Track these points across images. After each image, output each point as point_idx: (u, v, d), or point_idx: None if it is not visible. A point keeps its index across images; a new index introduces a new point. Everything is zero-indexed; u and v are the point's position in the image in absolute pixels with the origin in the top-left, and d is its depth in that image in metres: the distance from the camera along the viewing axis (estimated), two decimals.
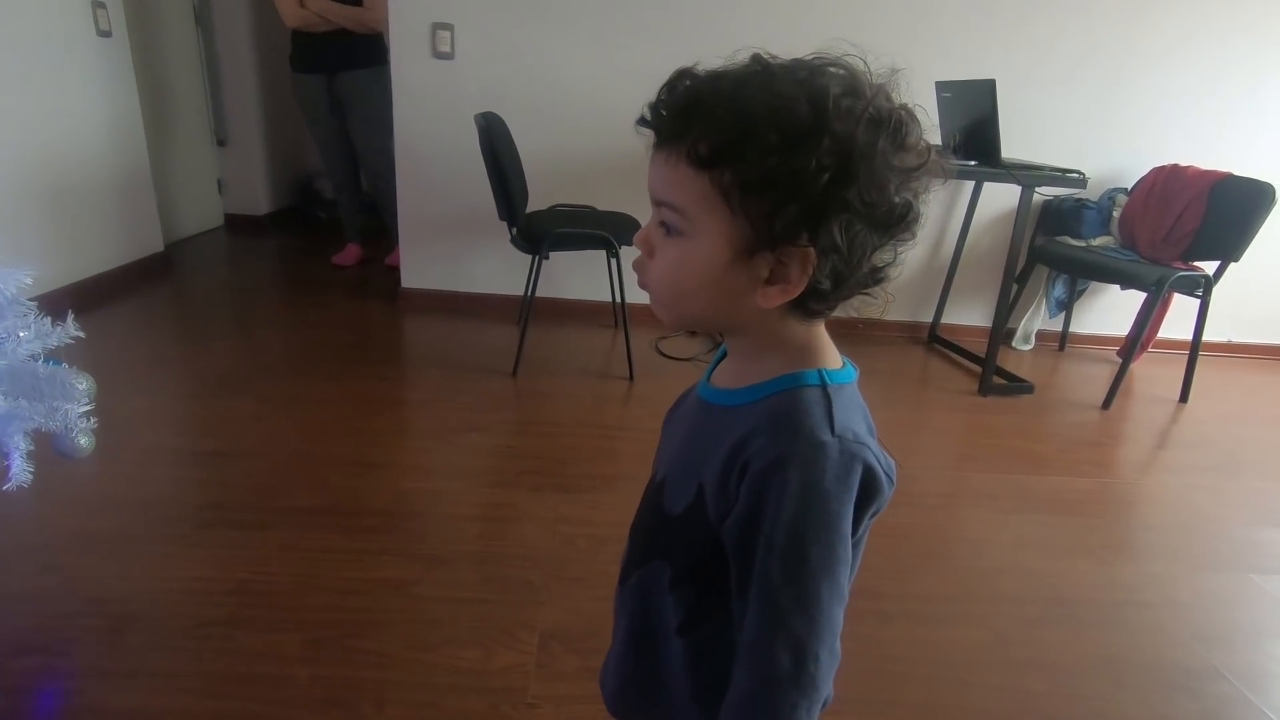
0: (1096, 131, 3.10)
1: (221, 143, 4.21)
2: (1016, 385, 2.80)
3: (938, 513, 1.94)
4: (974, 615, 1.55)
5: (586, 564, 1.58)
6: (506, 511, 1.77)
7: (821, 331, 0.57)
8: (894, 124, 0.48)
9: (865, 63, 0.50)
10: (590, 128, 3.00)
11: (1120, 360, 3.15)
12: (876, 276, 0.53)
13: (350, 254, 3.77)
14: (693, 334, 0.63)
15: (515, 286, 3.11)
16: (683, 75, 0.51)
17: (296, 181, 4.73)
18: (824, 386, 0.54)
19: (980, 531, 1.86)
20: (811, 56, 0.50)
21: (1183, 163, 2.99)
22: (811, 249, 0.49)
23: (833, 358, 0.57)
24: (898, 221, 0.50)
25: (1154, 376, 3.06)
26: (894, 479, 0.52)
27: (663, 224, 0.54)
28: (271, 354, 2.65)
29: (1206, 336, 2.82)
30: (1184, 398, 2.85)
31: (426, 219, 3.14)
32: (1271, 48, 3.00)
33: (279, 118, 4.37)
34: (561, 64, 2.92)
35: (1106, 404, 2.73)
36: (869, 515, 0.52)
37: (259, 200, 4.37)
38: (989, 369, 2.73)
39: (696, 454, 0.59)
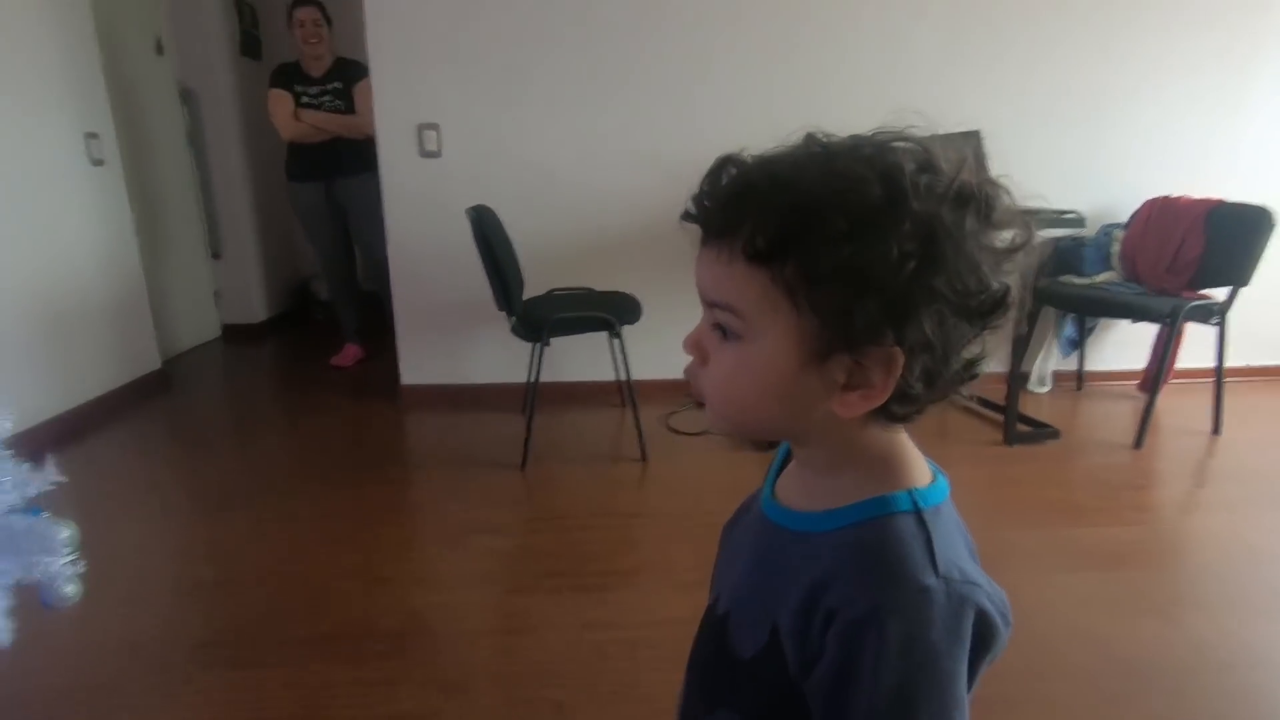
0: (1084, 170, 3.12)
1: (217, 255, 4.24)
2: (1042, 431, 2.71)
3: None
4: (1045, 697, 1.42)
5: (619, 675, 1.46)
6: (527, 620, 1.65)
7: (905, 439, 0.50)
8: (982, 199, 0.43)
9: (935, 135, 0.45)
10: (581, 210, 3.01)
11: (1142, 394, 3.08)
12: (971, 371, 0.46)
13: (348, 354, 3.74)
14: (761, 446, 0.56)
15: (517, 374, 3.05)
16: (728, 162, 0.46)
17: (291, 286, 4.75)
18: (918, 513, 0.46)
19: (1033, 597, 1.73)
20: (873, 132, 0.45)
21: (1173, 193, 2.99)
22: (898, 348, 0.42)
23: (921, 470, 0.50)
24: (994, 309, 0.43)
25: (1179, 409, 2.97)
26: (1010, 618, 0.44)
27: (717, 326, 0.48)
28: (270, 466, 2.56)
29: (1227, 363, 2.74)
30: (1216, 429, 2.75)
31: (423, 314, 3.11)
32: (1240, 74, 3.05)
33: (272, 226, 4.43)
34: (547, 150, 2.95)
35: (1138, 443, 2.63)
36: (985, 664, 0.44)
37: (255, 308, 4.37)
38: (1011, 417, 2.64)
39: (767, 588, 0.51)
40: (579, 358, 3.10)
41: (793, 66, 2.90)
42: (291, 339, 4.39)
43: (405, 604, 1.71)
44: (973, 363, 0.46)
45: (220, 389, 3.67)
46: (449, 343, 3.14)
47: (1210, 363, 2.75)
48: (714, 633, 0.57)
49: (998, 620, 0.43)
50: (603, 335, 2.88)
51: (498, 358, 3.11)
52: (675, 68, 2.91)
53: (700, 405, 0.53)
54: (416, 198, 2.98)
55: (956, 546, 0.47)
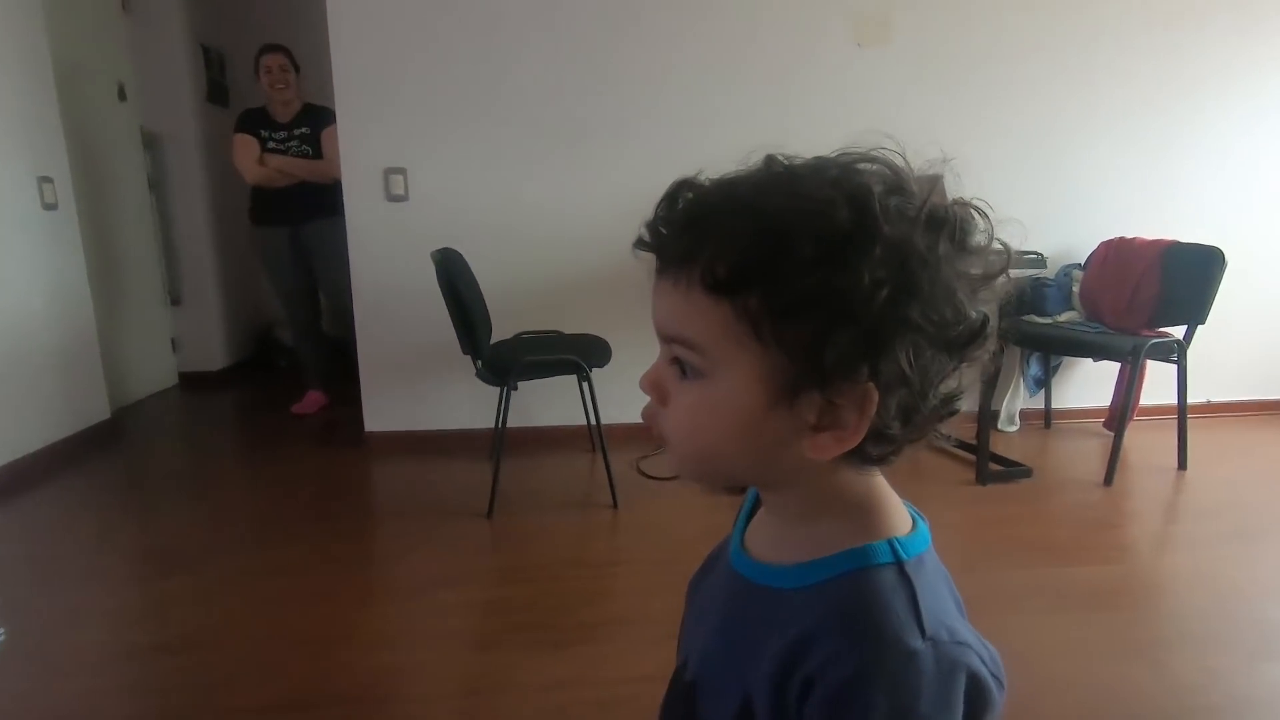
0: (1041, 212, 3.19)
1: (176, 302, 4.13)
2: (1014, 470, 2.70)
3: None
4: None
5: None
6: (491, 681, 1.55)
7: (882, 483, 0.46)
8: (955, 223, 0.40)
9: (904, 157, 0.42)
10: (549, 252, 2.99)
11: (1108, 432, 3.11)
12: (949, 407, 0.42)
13: (311, 401, 3.63)
14: (734, 491, 0.52)
15: (485, 419, 2.98)
16: (684, 186, 0.43)
17: (254, 332, 4.64)
18: (900, 565, 0.42)
19: (1017, 642, 1.68)
20: (838, 152, 0.42)
21: (1128, 234, 3.07)
22: (872, 384, 0.39)
23: (900, 516, 0.46)
24: (972, 339, 0.40)
25: (1145, 445, 2.99)
26: (1004, 679, 0.40)
27: (676, 362, 0.44)
28: (223, 522, 2.43)
29: (1189, 399, 2.78)
30: (1182, 464, 2.77)
31: (388, 359, 3.04)
32: (1187, 117, 3.18)
33: (234, 272, 4.34)
34: (515, 193, 2.95)
35: (1108, 480, 2.63)
36: None
37: (215, 356, 4.24)
38: (983, 455, 2.64)
39: (737, 652, 0.47)
40: (548, 402, 3.04)
41: (759, 112, 2.95)
42: (253, 386, 4.27)
43: (361, 667, 1.60)
44: (951, 398, 0.43)
45: (174, 439, 3.53)
46: (415, 388, 3.07)
47: (1173, 399, 2.79)
48: (681, 702, 0.52)
49: (991, 683, 0.40)
50: (572, 379, 2.83)
51: (465, 403, 3.04)
52: (644, 112, 2.95)
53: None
54: (382, 242, 2.94)
55: (943, 600, 0.43)
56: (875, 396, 0.39)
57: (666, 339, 0.44)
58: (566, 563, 2.08)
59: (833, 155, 0.42)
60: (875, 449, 0.42)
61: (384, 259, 2.96)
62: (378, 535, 2.37)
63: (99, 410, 3.19)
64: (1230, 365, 3.32)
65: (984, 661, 0.40)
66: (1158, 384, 2.92)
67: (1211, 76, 3.17)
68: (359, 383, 3.07)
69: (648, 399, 0.47)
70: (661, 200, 0.43)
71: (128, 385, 3.66)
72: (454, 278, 2.32)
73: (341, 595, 1.91)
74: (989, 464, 2.66)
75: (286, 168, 3.29)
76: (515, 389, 2.38)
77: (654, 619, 1.73)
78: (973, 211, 0.42)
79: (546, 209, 2.96)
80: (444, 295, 2.34)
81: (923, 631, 0.39)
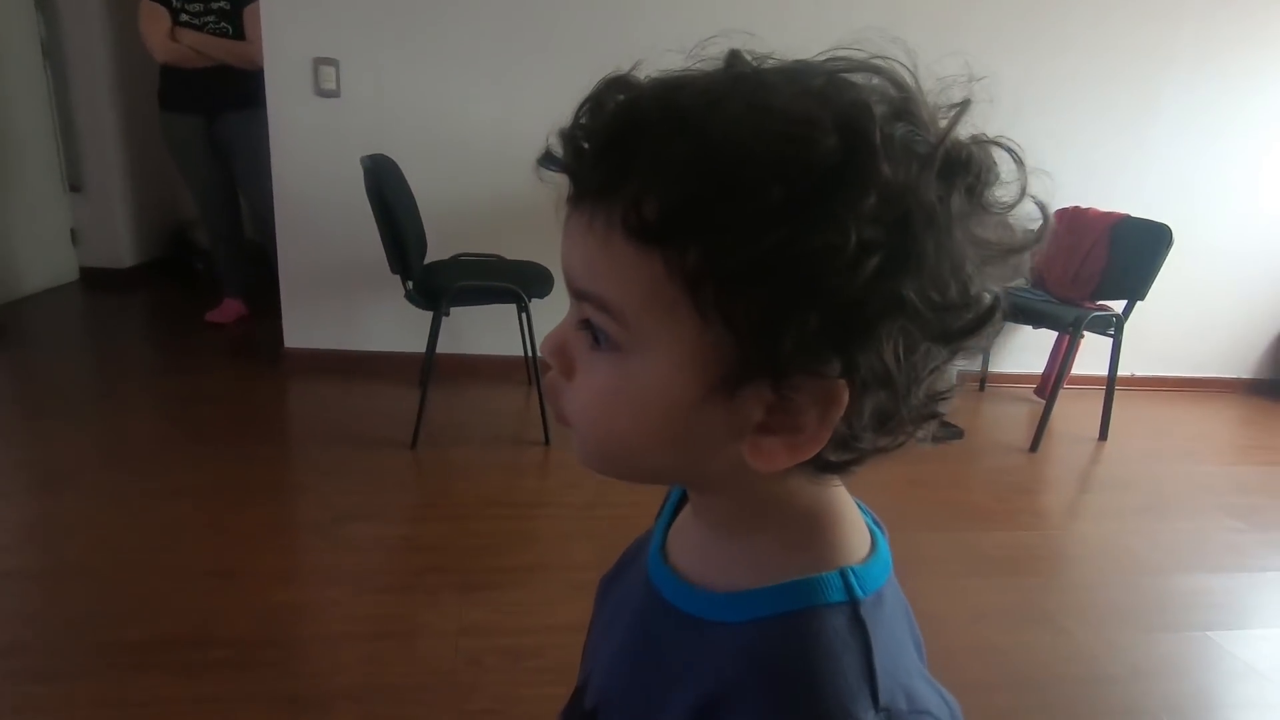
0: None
1: (75, 188, 3.73)
2: (947, 430, 2.71)
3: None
4: None
5: (495, 689, 1.31)
6: (398, 625, 1.47)
7: (839, 491, 0.37)
8: (976, 169, 0.29)
9: (914, 73, 0.30)
10: (494, 171, 2.78)
11: (1038, 399, 3.18)
12: (932, 408, 0.33)
13: (228, 310, 3.37)
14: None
15: (415, 343, 2.82)
16: (614, 86, 0.31)
17: (168, 230, 4.26)
18: (854, 605, 0.34)
19: (938, 605, 1.70)
20: (824, 56, 0.30)
21: (1083, 204, 3.06)
22: (842, 381, 0.30)
23: (858, 535, 0.37)
24: (978, 327, 0.30)
25: (1070, 414, 3.07)
26: None
27: (586, 324, 0.33)
28: (118, 436, 2.24)
29: (1118, 372, 2.85)
30: (1103, 435, 2.86)
31: (312, 271, 2.82)
32: (1151, 91, 3.15)
33: (146, 160, 3.93)
34: (461, 101, 2.70)
35: (1034, 446, 2.69)
36: None
37: (121, 252, 3.88)
38: None
39: (644, 683, 0.39)
40: (483, 329, 2.90)
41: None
42: (164, 289, 3.94)
43: (258, 604, 1.50)
44: (937, 397, 0.33)
45: (69, 340, 3.24)
46: (341, 305, 2.86)
47: (1101, 370, 2.85)
48: None
49: None
50: (510, 308, 2.69)
51: (394, 324, 2.86)
52: (611, 26, 2.71)
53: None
54: (309, 141, 2.67)
55: (903, 650, 0.35)
56: (845, 397, 0.30)
57: (576, 294, 0.34)
58: (490, 502, 2.00)
59: (819, 59, 0.31)
60: (835, 456, 0.33)
61: (310, 161, 2.69)
62: (290, 461, 2.23)
63: None
64: (1157, 341, 3.41)
65: None
66: (1088, 355, 2.97)
67: (1182, 53, 3.12)
68: (280, 295, 2.85)
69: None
70: (583, 103, 0.32)
71: (18, 278, 3.33)
72: (384, 188, 2.11)
73: (243, 525, 1.78)
74: None
75: (202, 46, 2.93)
76: (448, 314, 2.23)
77: (575, 566, 1.68)
78: (998, 154, 0.31)
79: (496, 121, 2.73)
80: (372, 206, 2.14)
81: (875, 700, 0.31)
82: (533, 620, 1.50)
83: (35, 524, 1.75)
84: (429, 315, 2.60)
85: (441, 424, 2.40)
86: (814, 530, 0.36)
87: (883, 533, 0.39)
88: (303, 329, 2.87)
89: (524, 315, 2.26)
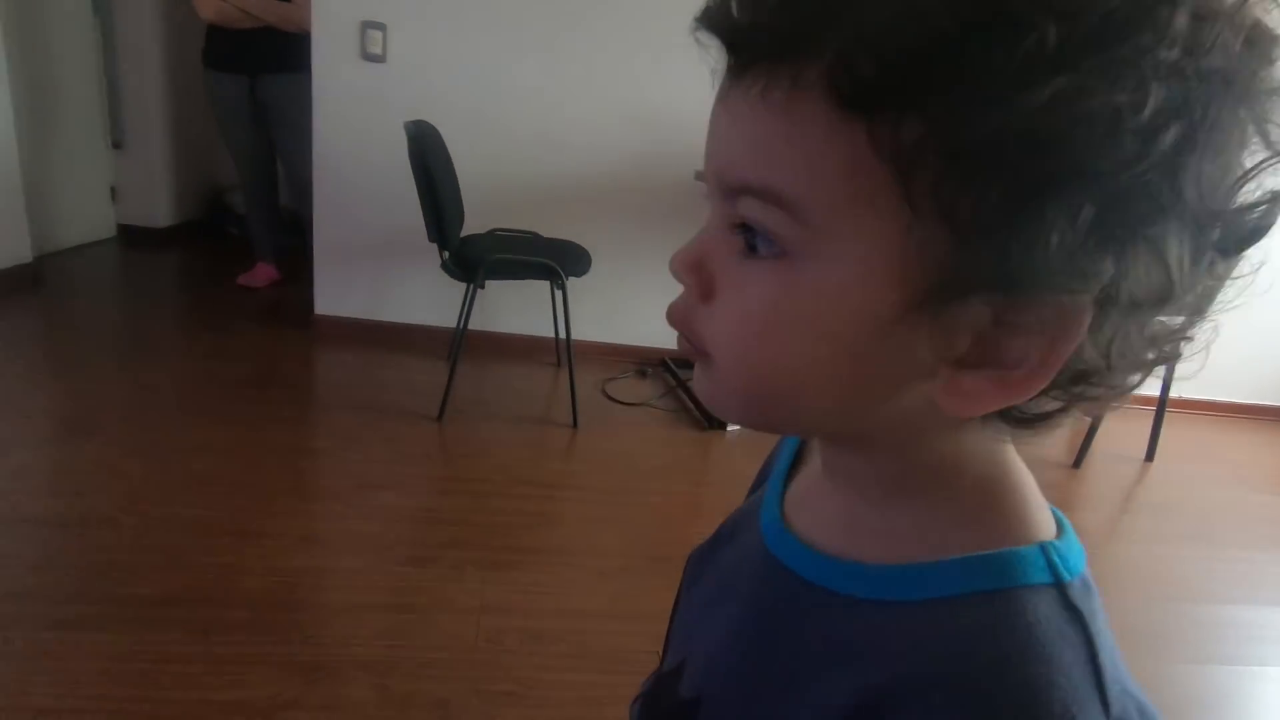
0: None
1: (118, 145, 3.75)
2: None
3: None
4: None
5: (518, 672, 1.26)
6: (419, 598, 1.43)
7: (1018, 460, 0.31)
8: (1268, 46, 0.23)
9: None
10: (537, 146, 2.73)
11: (1080, 415, 3.07)
12: (1163, 350, 0.26)
13: (260, 275, 3.37)
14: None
15: (445, 318, 2.79)
16: None
17: (205, 193, 4.28)
18: (1061, 588, 0.27)
19: None
20: None
21: None
22: (1087, 298, 0.23)
23: (1044, 511, 0.31)
24: (1255, 235, 0.24)
25: (1114, 432, 2.94)
26: None
27: (741, 229, 0.27)
28: (146, 389, 2.23)
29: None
30: (1150, 456, 2.74)
31: (347, 239, 2.79)
32: None
33: (188, 120, 3.94)
34: (509, 72, 2.65)
35: (1077, 463, 2.58)
36: None
37: (159, 211, 3.90)
38: None
39: (769, 677, 0.32)
40: (515, 308, 2.85)
41: None
42: (199, 250, 3.95)
43: (277, 566, 1.46)
44: (1174, 333, 0.26)
45: (104, 294, 3.25)
46: (373, 274, 2.83)
47: (1149, 389, 2.73)
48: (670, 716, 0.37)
49: None
50: (544, 286, 2.64)
51: (425, 297, 2.83)
52: (668, 7, 2.64)
53: (683, 363, 0.32)
54: (352, 107, 2.64)
55: (1114, 643, 0.28)
56: (1086, 320, 0.23)
57: (732, 189, 0.27)
58: (515, 480, 1.95)
59: None
60: (1037, 405, 0.27)
61: (352, 126, 2.66)
62: (314, 426, 2.20)
63: (18, 252, 2.89)
64: (1214, 363, 3.26)
65: None
66: None
67: None
68: (313, 262, 2.82)
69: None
70: None
71: (57, 230, 3.34)
72: (427, 155, 2.07)
73: (266, 486, 1.75)
74: None
75: (249, 6, 2.91)
76: (483, 287, 2.18)
77: (600, 551, 1.62)
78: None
79: (541, 96, 2.68)
80: (414, 173, 2.10)
81: (1106, 705, 0.25)
82: (556, 604, 1.45)
83: (60, 471, 1.73)
84: (459, 289, 2.56)
85: (468, 399, 2.36)
86: (995, 498, 0.30)
87: (1065, 519, 0.32)
88: (334, 297, 2.84)
89: (560, 293, 2.20)
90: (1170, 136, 0.21)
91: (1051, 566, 0.27)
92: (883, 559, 0.30)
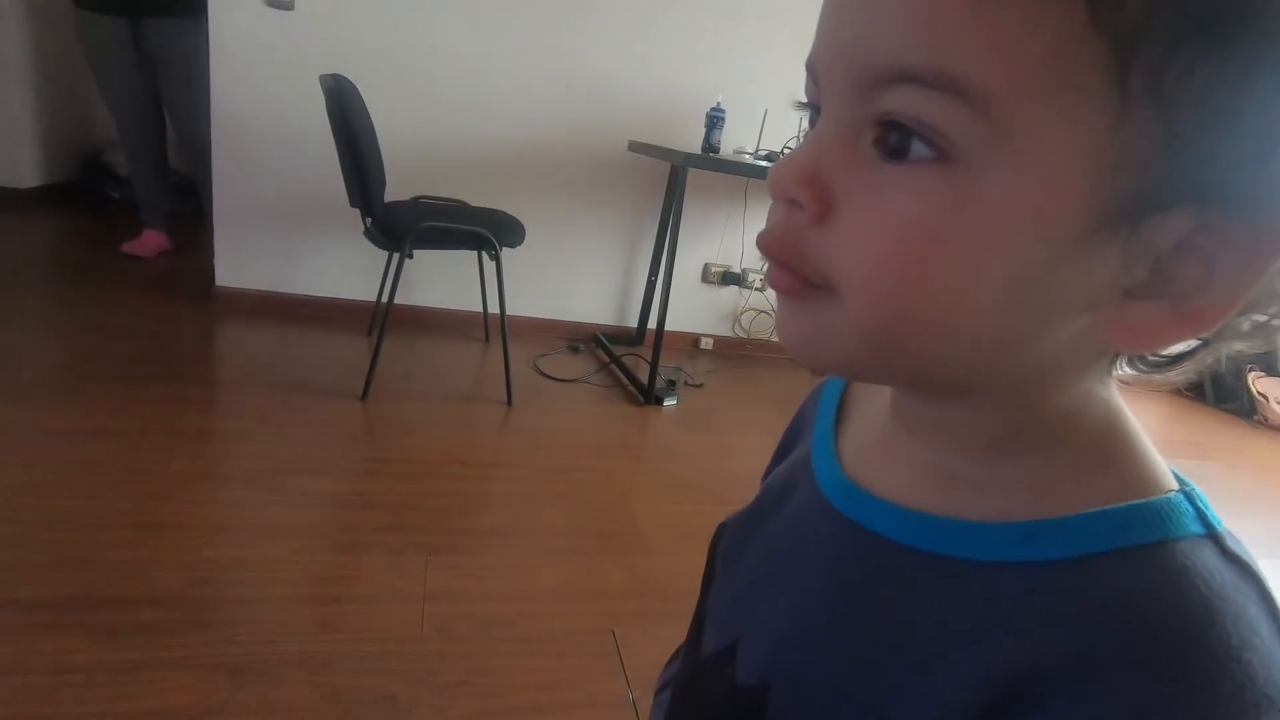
0: None
1: None
2: None
3: None
4: None
5: (470, 660, 1.19)
6: (356, 587, 1.33)
7: (1126, 408, 0.28)
8: None
9: None
10: (463, 108, 2.59)
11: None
12: None
13: (149, 243, 3.06)
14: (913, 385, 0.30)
15: (364, 290, 2.63)
16: None
17: (80, 152, 3.85)
18: (1217, 539, 0.24)
19: None
20: None
21: None
22: None
23: (1161, 459, 0.28)
24: None
25: None
26: None
27: (888, 126, 0.22)
28: (22, 367, 1.97)
29: None
30: None
31: (251, 205, 2.56)
32: None
33: (56, 67, 3.52)
34: (433, 28, 2.49)
35: None
36: None
37: (22, 170, 3.47)
38: None
39: (865, 655, 0.28)
40: (441, 281, 2.72)
41: None
42: (75, 215, 3.56)
43: (190, 560, 1.32)
44: None
45: None
46: (282, 243, 2.62)
47: None
48: (735, 714, 0.33)
49: None
50: (470, 260, 2.54)
51: (342, 268, 2.65)
52: None
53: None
54: (255, 58, 2.41)
55: None
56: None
57: (882, 78, 0.22)
58: (450, 459, 1.86)
59: None
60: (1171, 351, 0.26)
61: (255, 80, 2.43)
62: (223, 407, 2.02)
63: None
64: None
65: None
66: None
67: None
68: (211, 231, 2.58)
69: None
70: None
71: None
72: (348, 112, 1.91)
73: (171, 473, 1.58)
74: None
75: None
76: (410, 257, 2.05)
77: (544, 531, 1.57)
78: None
79: (467, 57, 2.54)
80: (334, 132, 1.94)
81: None
82: (503, 587, 1.39)
83: None
84: (379, 260, 2.42)
85: (395, 376, 2.23)
86: (1117, 446, 0.27)
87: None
88: (237, 267, 2.62)
89: (496, 263, 2.10)
90: None
91: (1202, 516, 0.25)
92: (990, 517, 0.27)
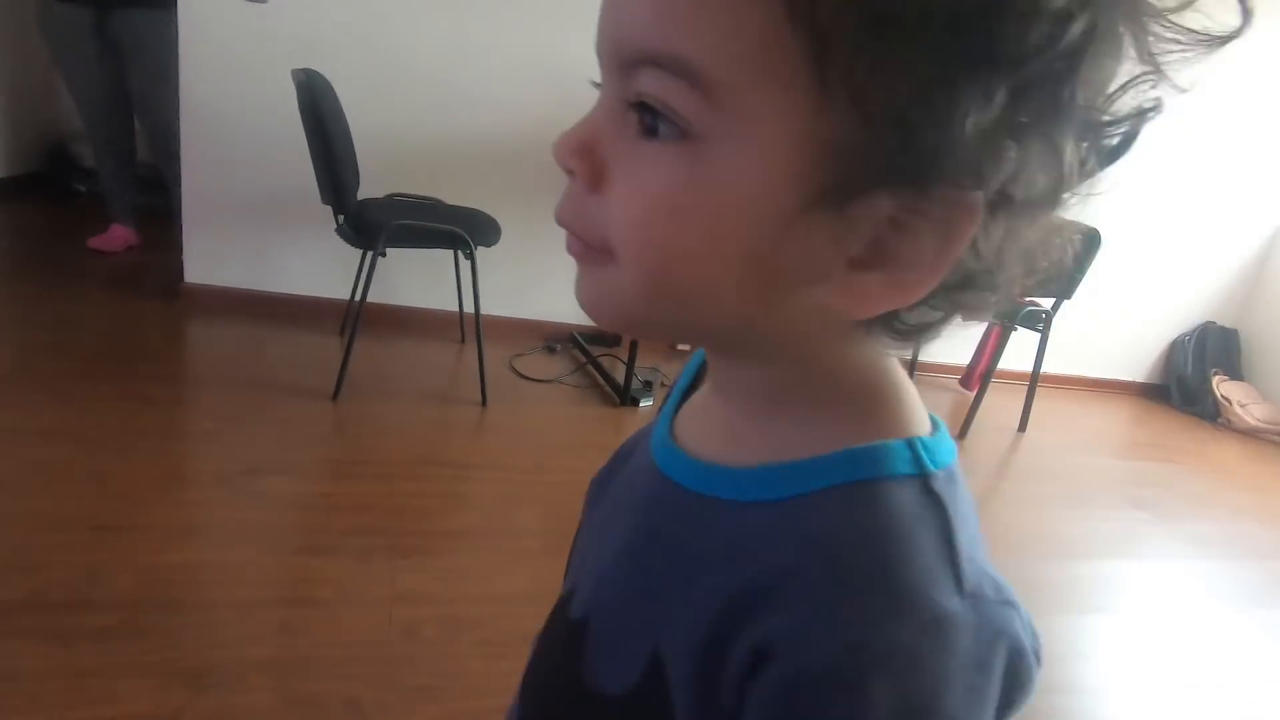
0: None
1: None
2: None
3: None
4: None
5: (435, 664, 1.18)
6: (321, 590, 1.31)
7: (898, 367, 0.32)
8: None
9: None
10: (437, 106, 2.57)
11: (962, 389, 3.29)
12: (1032, 264, 0.27)
13: (115, 238, 2.99)
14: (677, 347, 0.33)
15: (336, 288, 2.59)
16: None
17: (44, 142, 3.75)
18: (925, 478, 0.28)
19: None
20: None
21: None
22: (978, 195, 0.23)
23: (920, 412, 0.31)
24: (1115, 152, 0.25)
25: (989, 405, 3.18)
26: (1041, 654, 0.27)
27: (639, 110, 0.25)
28: None
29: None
30: (1023, 427, 2.98)
31: (221, 200, 2.51)
32: None
33: (18, 55, 3.42)
34: (405, 26, 2.46)
35: (962, 434, 2.76)
36: None
37: None
38: None
39: (651, 585, 0.33)
40: (415, 280, 2.69)
41: None
42: (38, 207, 3.46)
43: (150, 563, 1.29)
44: (1051, 245, 0.27)
45: None
46: (252, 240, 2.58)
47: (1017, 365, 2.97)
48: (564, 648, 0.36)
49: (1033, 661, 0.27)
50: (445, 258, 2.51)
51: (314, 266, 2.61)
52: None
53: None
54: (227, 49, 2.37)
55: (979, 540, 0.29)
56: (977, 218, 0.24)
57: (633, 60, 0.25)
58: (421, 460, 1.84)
59: None
60: (914, 315, 0.27)
61: (226, 73, 2.39)
62: (190, 407, 1.98)
63: None
64: (1081, 342, 3.57)
65: (1024, 625, 0.28)
66: (1011, 350, 3.08)
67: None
68: (179, 227, 2.52)
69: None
70: None
71: None
72: (320, 107, 1.89)
73: (132, 474, 1.54)
74: None
75: None
76: (384, 255, 2.03)
77: (518, 532, 1.56)
78: None
79: (444, 52, 2.51)
80: (306, 128, 1.91)
81: (960, 584, 0.26)
82: (474, 589, 1.37)
83: None
84: (352, 258, 2.38)
85: (367, 376, 2.20)
86: (873, 400, 0.30)
87: (942, 422, 0.33)
88: (206, 264, 2.57)
89: (470, 262, 2.09)
90: (1078, 28, 0.21)
91: (917, 459, 0.28)
92: (753, 463, 0.30)
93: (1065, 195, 0.24)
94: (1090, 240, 2.81)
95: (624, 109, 0.26)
